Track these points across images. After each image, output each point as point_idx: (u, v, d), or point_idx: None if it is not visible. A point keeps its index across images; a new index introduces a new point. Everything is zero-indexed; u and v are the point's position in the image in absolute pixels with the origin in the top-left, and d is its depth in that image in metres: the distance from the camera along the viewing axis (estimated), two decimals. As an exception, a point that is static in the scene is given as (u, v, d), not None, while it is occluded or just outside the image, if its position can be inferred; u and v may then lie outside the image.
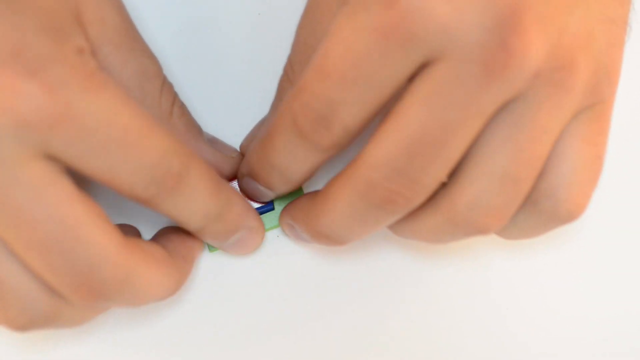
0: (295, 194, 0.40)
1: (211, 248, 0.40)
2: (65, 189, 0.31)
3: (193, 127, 0.38)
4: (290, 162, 0.35)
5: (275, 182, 0.37)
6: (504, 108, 0.31)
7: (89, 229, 0.31)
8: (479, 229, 0.34)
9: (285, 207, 0.39)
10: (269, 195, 0.38)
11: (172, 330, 0.41)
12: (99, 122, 0.30)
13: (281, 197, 0.40)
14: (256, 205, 0.40)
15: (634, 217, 0.43)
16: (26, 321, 0.33)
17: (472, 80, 0.30)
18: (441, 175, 0.32)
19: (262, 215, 0.40)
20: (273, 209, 0.40)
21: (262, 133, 0.36)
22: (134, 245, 0.33)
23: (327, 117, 0.32)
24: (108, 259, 0.32)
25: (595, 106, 0.34)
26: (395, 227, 0.36)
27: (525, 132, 0.32)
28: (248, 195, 0.39)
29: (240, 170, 0.39)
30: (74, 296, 0.32)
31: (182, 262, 0.36)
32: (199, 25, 0.40)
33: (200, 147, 0.38)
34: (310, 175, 0.36)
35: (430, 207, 0.34)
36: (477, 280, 0.42)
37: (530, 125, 0.32)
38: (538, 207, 0.34)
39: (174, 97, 0.37)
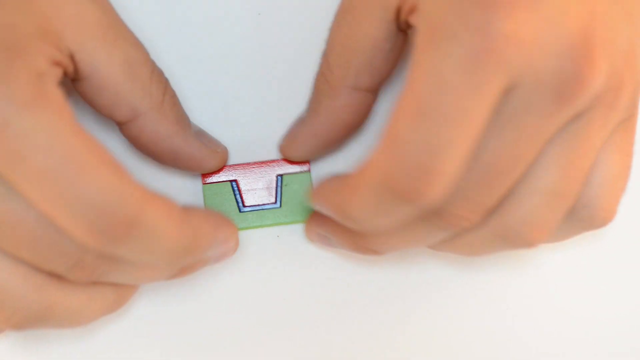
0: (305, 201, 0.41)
1: None
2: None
3: (182, 119, 0.37)
4: (379, 221, 0.33)
5: (353, 234, 0.36)
6: (562, 128, 0.32)
7: (95, 169, 0.30)
8: (528, 243, 0.34)
9: (311, 217, 0.39)
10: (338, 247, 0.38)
11: (170, 330, 0.41)
12: (35, 147, 0.28)
13: (289, 196, 0.40)
14: (262, 201, 0.40)
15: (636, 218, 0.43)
16: (20, 319, 0.33)
17: (544, 107, 0.30)
18: (502, 196, 0.33)
19: (266, 211, 0.40)
20: (280, 206, 0.40)
21: (336, 182, 0.34)
22: (144, 188, 0.31)
23: (429, 167, 0.30)
24: (127, 200, 0.30)
25: (629, 118, 0.34)
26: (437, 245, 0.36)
27: (577, 149, 0.32)
28: (319, 245, 0.40)
29: (312, 227, 0.39)
30: (85, 236, 0.30)
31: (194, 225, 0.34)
32: (199, 25, 0.41)
33: (187, 139, 0.37)
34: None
35: (480, 224, 0.34)
36: (480, 282, 0.42)
37: (582, 142, 0.32)
38: (576, 215, 0.35)
39: (165, 86, 0.37)
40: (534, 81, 0.30)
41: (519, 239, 0.34)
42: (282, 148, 0.40)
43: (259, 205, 0.40)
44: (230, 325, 0.41)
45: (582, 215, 0.35)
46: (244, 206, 0.40)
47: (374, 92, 0.37)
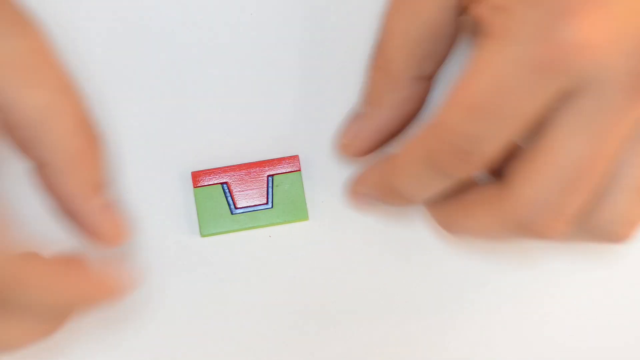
0: (297, 201, 0.41)
1: (203, 232, 0.40)
2: None
3: (93, 183, 0.35)
4: (417, 189, 0.35)
5: (397, 202, 0.38)
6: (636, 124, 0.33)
7: None
8: (621, 240, 0.35)
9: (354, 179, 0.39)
10: (377, 206, 0.40)
11: (163, 334, 0.40)
12: None
13: (280, 196, 0.41)
14: (254, 203, 0.41)
15: None
16: None
17: (618, 106, 0.31)
18: (588, 199, 0.33)
19: (258, 212, 0.40)
20: (272, 207, 0.40)
21: (382, 161, 0.37)
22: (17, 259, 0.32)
23: (468, 152, 0.32)
24: None
25: None
26: None
27: None
28: (358, 206, 0.40)
29: (357, 188, 0.39)
30: None
31: None
32: (192, 25, 0.41)
33: (85, 208, 0.35)
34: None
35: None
36: (482, 282, 0.42)
37: None
38: None
39: (88, 143, 0.35)
40: (604, 82, 0.30)
41: (611, 237, 0.35)
42: (344, 147, 0.40)
43: (250, 206, 0.41)
44: (222, 326, 0.41)
45: None
46: (236, 208, 0.40)
47: (433, 78, 0.38)
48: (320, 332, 0.41)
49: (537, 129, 0.32)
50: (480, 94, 0.31)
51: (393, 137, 0.39)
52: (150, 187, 0.41)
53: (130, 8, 0.41)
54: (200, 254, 0.41)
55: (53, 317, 0.34)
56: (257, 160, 0.41)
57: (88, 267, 0.34)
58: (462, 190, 0.36)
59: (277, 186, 0.40)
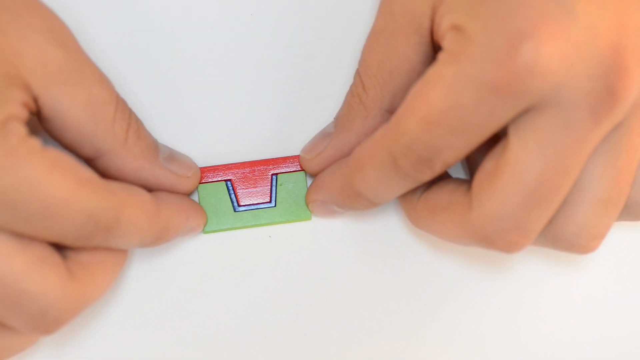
0: (300, 200, 0.41)
1: (205, 229, 0.40)
2: (1, 245, 0.32)
3: (149, 151, 0.37)
4: (381, 191, 0.36)
5: (360, 207, 0.38)
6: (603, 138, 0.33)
7: (30, 280, 0.32)
8: (585, 251, 0.35)
9: (309, 189, 0.40)
10: (341, 214, 0.40)
11: (161, 330, 0.41)
12: (18, 198, 0.31)
13: (284, 195, 0.41)
14: (257, 201, 0.41)
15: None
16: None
17: (582, 125, 0.31)
18: (553, 214, 0.33)
19: (261, 211, 0.41)
20: (275, 206, 0.41)
21: (342, 163, 0.37)
22: (79, 278, 0.34)
23: (431, 159, 0.33)
24: (55, 304, 0.33)
25: None
26: None
27: (622, 155, 0.33)
28: (320, 215, 0.40)
29: (313, 196, 0.40)
30: (33, 334, 0.34)
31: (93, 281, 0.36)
32: (192, 26, 0.41)
33: (154, 172, 0.37)
34: (395, 198, 0.37)
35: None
36: (483, 283, 0.42)
37: (626, 148, 0.33)
38: (625, 210, 0.36)
39: (129, 121, 0.37)
40: (567, 103, 0.31)
41: (575, 249, 0.35)
42: (304, 161, 0.40)
43: (254, 204, 0.41)
44: (223, 324, 0.41)
45: (630, 210, 0.36)
46: (239, 206, 0.41)
47: None
48: (321, 331, 0.41)
49: (503, 140, 0.33)
50: (436, 108, 0.32)
51: None
52: None
53: (132, 7, 0.40)
54: (202, 250, 0.41)
55: (141, 247, 0.36)
56: (261, 158, 0.41)
57: (177, 206, 0.37)
58: (432, 186, 0.37)
59: (280, 185, 0.41)
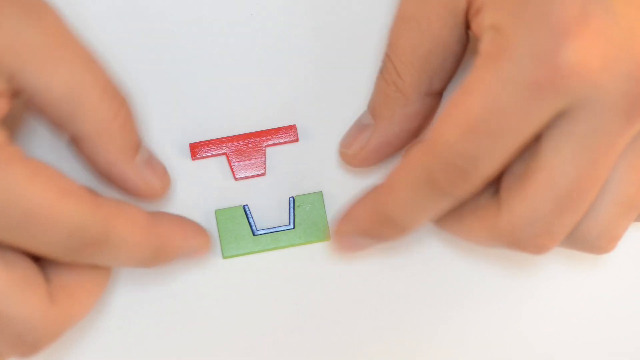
0: (318, 221, 0.41)
1: (225, 254, 0.40)
2: None
3: (129, 146, 0.35)
4: (414, 215, 0.34)
5: (390, 234, 0.36)
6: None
7: (9, 301, 0.32)
8: (604, 252, 0.35)
9: (341, 217, 0.38)
10: (366, 247, 0.37)
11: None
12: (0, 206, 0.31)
13: (302, 217, 0.40)
14: (252, 172, 0.41)
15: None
16: None
17: (614, 128, 0.31)
18: (580, 218, 0.33)
19: (280, 234, 0.40)
20: (293, 228, 0.40)
21: (377, 188, 0.35)
22: (60, 301, 0.33)
23: (466, 170, 0.32)
24: (34, 327, 0.32)
25: None
26: None
27: None
28: (344, 249, 0.38)
29: (341, 228, 0.37)
30: (11, 355, 0.33)
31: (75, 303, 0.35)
32: (192, 26, 0.41)
33: (124, 171, 0.36)
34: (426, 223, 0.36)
35: None
36: (483, 284, 0.42)
37: None
38: None
39: (119, 108, 0.35)
40: (599, 104, 0.31)
41: (595, 250, 0.35)
42: (347, 156, 0.39)
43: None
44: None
45: None
46: (258, 229, 0.40)
47: (442, 94, 0.38)
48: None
49: (533, 145, 0.33)
50: (476, 113, 0.31)
51: (398, 151, 0.38)
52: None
53: (132, 7, 0.41)
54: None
55: (138, 266, 0.35)
56: (254, 130, 0.41)
57: (176, 224, 0.36)
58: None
59: (298, 207, 0.40)
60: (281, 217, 0.41)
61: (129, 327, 0.40)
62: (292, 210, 0.40)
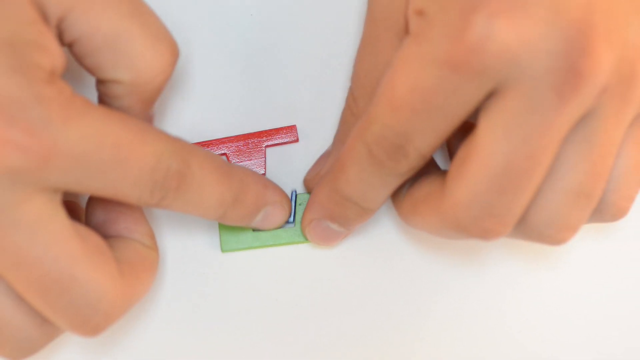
0: None
1: (224, 247, 0.40)
2: (60, 227, 0.32)
3: (152, 104, 0.36)
4: (366, 191, 0.35)
5: (352, 215, 0.37)
6: (575, 125, 0.32)
7: (85, 268, 0.32)
8: (556, 243, 0.34)
9: (305, 207, 0.39)
10: (342, 234, 0.38)
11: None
12: (87, 149, 0.31)
13: (302, 215, 0.40)
14: None
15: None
16: (22, 353, 0.34)
17: (547, 106, 0.30)
18: (529, 201, 0.32)
19: (281, 230, 0.40)
20: (293, 223, 0.40)
21: (330, 170, 0.36)
22: (127, 276, 0.34)
23: (403, 146, 0.32)
24: (106, 297, 0.32)
25: None
26: None
27: (597, 146, 0.32)
28: (317, 238, 0.39)
29: (307, 217, 0.38)
30: (77, 332, 0.33)
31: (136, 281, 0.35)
32: (192, 26, 0.41)
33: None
34: (384, 202, 0.36)
35: None
36: (484, 283, 0.42)
37: (601, 139, 0.32)
38: (600, 210, 0.35)
39: (162, 65, 0.34)
40: (530, 81, 0.30)
41: (545, 240, 0.34)
42: (308, 182, 0.40)
43: None
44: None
45: (603, 211, 0.35)
46: None
47: None
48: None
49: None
50: (400, 91, 0.31)
51: None
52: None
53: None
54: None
55: (221, 214, 0.36)
56: (254, 130, 0.41)
57: (251, 173, 0.37)
58: (416, 180, 0.36)
59: (300, 205, 0.40)
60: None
61: (127, 322, 0.40)
62: (293, 206, 0.40)
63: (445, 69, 0.30)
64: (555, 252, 0.42)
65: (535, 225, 0.34)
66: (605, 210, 0.35)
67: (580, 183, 0.33)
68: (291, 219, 0.40)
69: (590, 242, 0.42)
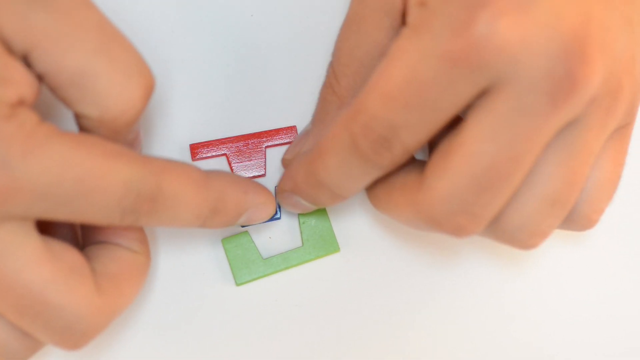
0: (326, 234, 0.41)
1: (238, 281, 0.40)
2: (30, 251, 0.32)
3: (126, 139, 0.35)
4: (343, 180, 0.35)
5: (324, 198, 0.36)
6: (559, 132, 0.32)
7: (57, 291, 0.32)
8: (526, 247, 0.34)
9: (282, 176, 0.39)
10: (310, 208, 0.38)
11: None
12: (49, 181, 0.30)
13: (309, 233, 0.40)
14: (253, 173, 0.40)
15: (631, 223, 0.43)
16: None
17: (539, 109, 0.30)
18: (505, 203, 0.33)
19: (290, 252, 0.40)
20: (279, 218, 0.40)
21: (309, 151, 0.36)
22: (106, 291, 0.33)
23: (389, 139, 0.32)
24: (82, 317, 0.32)
25: (625, 126, 0.34)
26: None
27: (577, 156, 0.32)
28: (288, 207, 0.39)
29: (281, 187, 0.38)
30: (59, 347, 0.33)
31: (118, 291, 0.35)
32: (192, 26, 0.41)
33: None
34: (359, 191, 0.36)
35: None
36: (484, 284, 0.42)
37: (581, 149, 0.32)
38: (572, 220, 0.35)
39: (130, 99, 0.33)
40: (525, 82, 0.30)
41: (516, 244, 0.34)
42: (285, 162, 0.40)
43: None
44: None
45: (574, 221, 0.35)
46: (266, 253, 0.41)
47: None
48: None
49: (461, 123, 0.32)
50: (395, 82, 0.31)
51: None
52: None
53: (132, 7, 0.41)
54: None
55: (200, 225, 0.35)
56: (255, 131, 0.41)
57: (231, 179, 0.36)
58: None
59: (303, 223, 0.40)
60: (282, 219, 0.41)
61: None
62: (297, 226, 0.41)
63: (445, 63, 0.30)
64: (554, 253, 0.42)
65: (507, 228, 0.34)
66: (575, 220, 0.35)
67: (557, 191, 0.33)
68: (278, 215, 0.40)
69: (589, 243, 0.42)
